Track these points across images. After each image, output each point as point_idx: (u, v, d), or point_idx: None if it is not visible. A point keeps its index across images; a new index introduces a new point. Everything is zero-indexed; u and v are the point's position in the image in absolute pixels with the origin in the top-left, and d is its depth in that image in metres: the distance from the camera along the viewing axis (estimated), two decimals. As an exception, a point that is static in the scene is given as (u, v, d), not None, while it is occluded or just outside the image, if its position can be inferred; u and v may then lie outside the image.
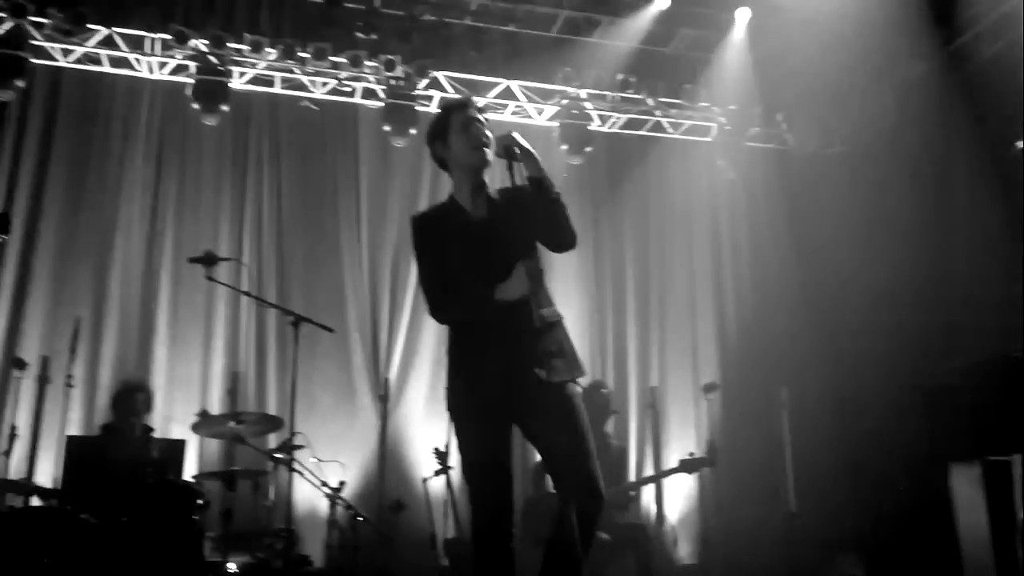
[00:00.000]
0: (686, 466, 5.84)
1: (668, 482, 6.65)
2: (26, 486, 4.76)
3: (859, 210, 7.27)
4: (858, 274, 7.17)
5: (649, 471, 7.09)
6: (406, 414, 6.91)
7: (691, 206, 8.06)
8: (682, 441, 7.29)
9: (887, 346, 6.76)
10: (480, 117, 3.17)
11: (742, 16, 7.58)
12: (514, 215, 3.08)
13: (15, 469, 5.25)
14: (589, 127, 7.64)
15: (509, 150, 2.96)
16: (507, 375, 2.96)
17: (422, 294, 3.20)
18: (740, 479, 6.94)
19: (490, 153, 3.10)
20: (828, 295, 7.57)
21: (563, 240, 3.12)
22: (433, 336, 6.99)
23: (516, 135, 3.00)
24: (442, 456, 5.49)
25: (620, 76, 7.55)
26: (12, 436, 5.07)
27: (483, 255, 3.07)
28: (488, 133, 3.14)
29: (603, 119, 7.82)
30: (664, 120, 7.88)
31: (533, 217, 3.06)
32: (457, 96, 3.20)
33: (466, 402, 3.05)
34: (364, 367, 6.94)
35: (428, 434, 6.54)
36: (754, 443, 7.01)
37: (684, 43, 7.98)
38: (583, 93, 7.55)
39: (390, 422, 6.71)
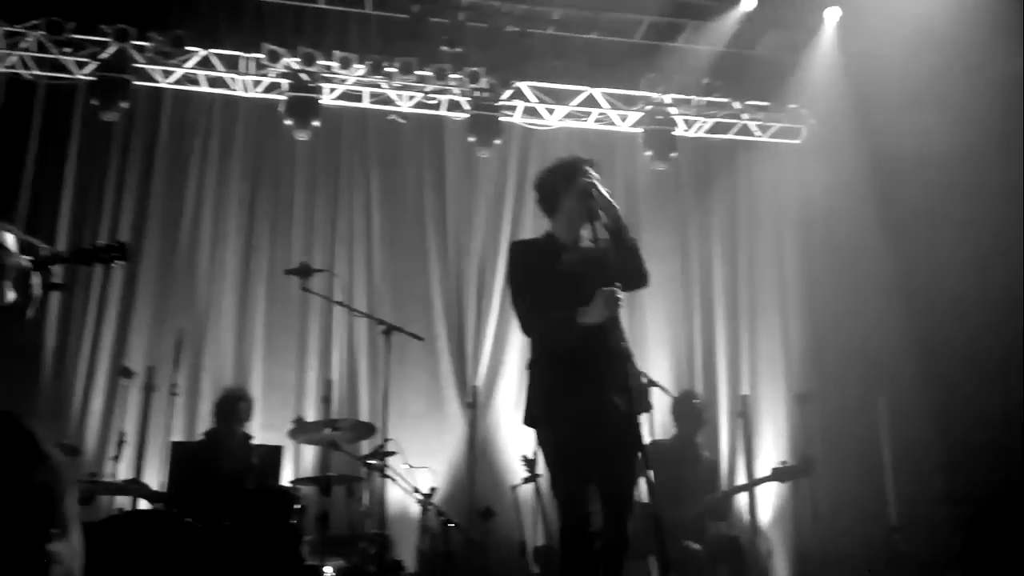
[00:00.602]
0: (779, 475, 5.69)
1: (762, 493, 6.51)
2: (142, 488, 4.94)
3: (958, 213, 6.99)
4: (959, 279, 6.89)
5: (741, 482, 6.95)
6: (494, 421, 6.95)
7: (781, 210, 7.89)
8: (775, 452, 7.13)
9: (990, 354, 6.48)
10: (598, 178, 3.43)
11: (831, 16, 7.41)
12: (602, 261, 3.37)
13: (124, 474, 5.47)
14: (674, 133, 7.58)
15: (591, 207, 3.30)
16: (592, 395, 3.24)
17: (514, 313, 3.47)
18: (837, 491, 6.73)
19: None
20: (927, 301, 7.29)
21: (637, 283, 3.42)
22: (519, 344, 7.01)
23: (595, 184, 3.33)
24: (530, 464, 5.51)
25: (705, 80, 7.48)
26: (121, 442, 5.27)
27: (573, 287, 3.32)
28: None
29: (688, 124, 7.75)
30: (751, 123, 7.76)
31: (613, 266, 3.35)
32: (582, 157, 3.54)
33: (554, 415, 3.27)
34: (452, 374, 7.02)
35: (516, 441, 6.56)
36: (851, 454, 6.80)
37: (771, 45, 7.84)
38: (667, 98, 7.50)
39: (478, 429, 6.77)
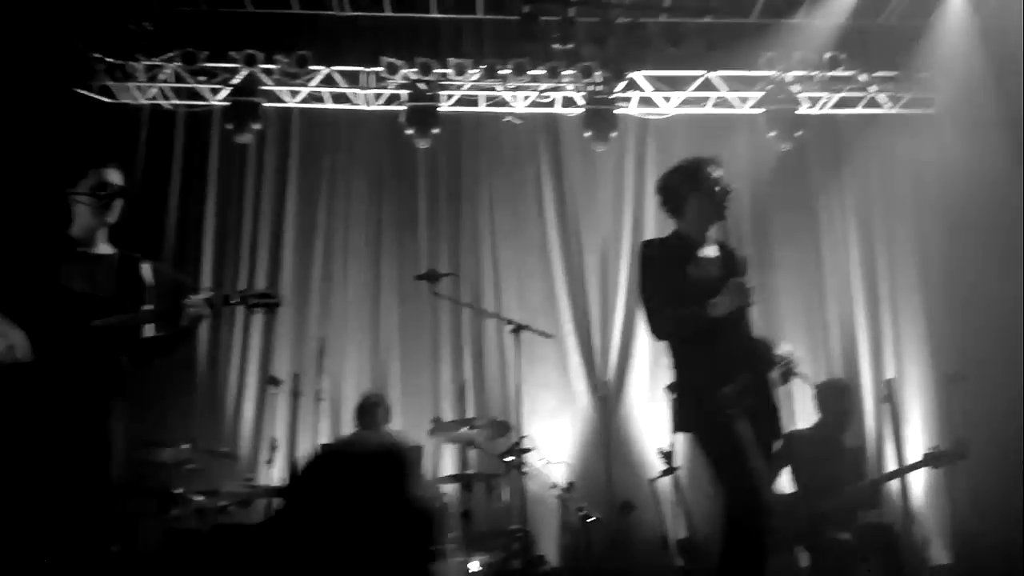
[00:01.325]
0: (932, 460, 5.42)
1: (915, 480, 6.23)
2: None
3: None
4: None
5: (890, 469, 6.68)
6: (626, 415, 6.93)
7: (918, 183, 7.51)
8: (925, 435, 6.82)
9: None
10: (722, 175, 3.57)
11: (961, -26, 7.02)
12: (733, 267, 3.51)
13: (276, 477, 5.75)
14: (797, 111, 7.35)
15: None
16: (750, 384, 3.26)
17: (643, 314, 3.49)
18: (993, 474, 6.39)
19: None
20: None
21: None
22: (648, 338, 6.97)
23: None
24: (667, 457, 5.47)
25: (828, 54, 7.22)
26: (272, 447, 5.54)
27: (704, 289, 3.36)
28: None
29: (812, 101, 7.50)
30: (880, 96, 7.44)
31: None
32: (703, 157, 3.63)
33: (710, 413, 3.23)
34: (581, 369, 7.04)
35: (650, 434, 6.54)
36: (1007, 435, 6.42)
37: (897, 12, 7.50)
38: (789, 76, 7.28)
39: (611, 423, 6.77)
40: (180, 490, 4.73)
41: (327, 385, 6.10)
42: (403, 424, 6.37)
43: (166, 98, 7.19)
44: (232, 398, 6.70)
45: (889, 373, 7.05)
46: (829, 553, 4.99)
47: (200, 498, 4.77)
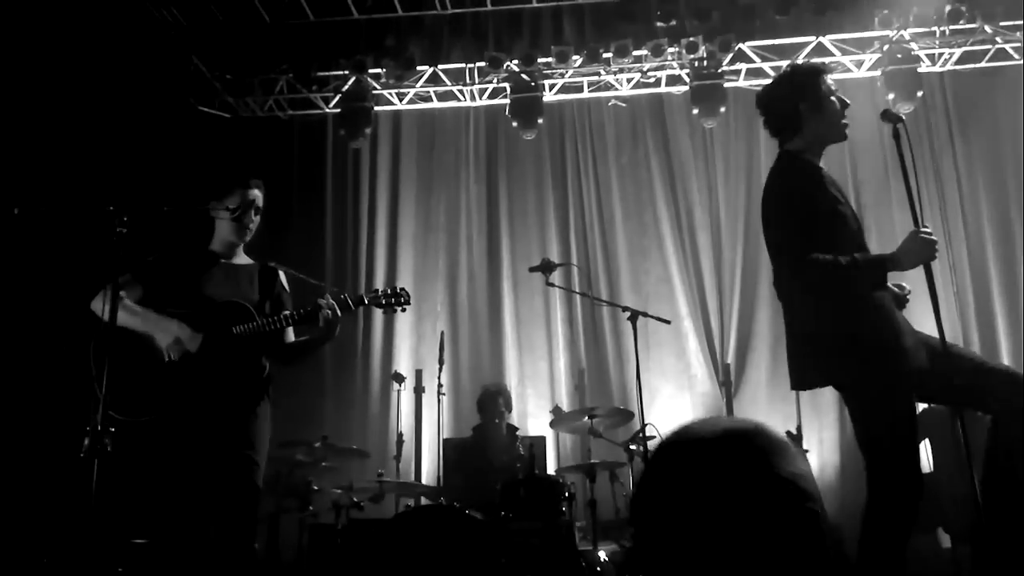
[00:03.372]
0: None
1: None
2: (424, 488, 5.33)
3: None
4: None
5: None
6: (750, 398, 6.81)
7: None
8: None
9: None
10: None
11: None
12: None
13: (404, 471, 5.94)
14: (919, 70, 6.99)
15: (896, 116, 2.98)
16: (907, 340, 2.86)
17: (786, 249, 2.93)
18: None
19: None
20: None
21: None
22: (768, 316, 6.83)
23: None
24: (795, 439, 5.36)
25: (948, 7, 6.82)
26: (399, 442, 5.73)
27: (841, 219, 2.97)
28: None
29: (933, 59, 7.12)
30: (1008, 47, 6.99)
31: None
32: (815, 61, 3.15)
33: (889, 366, 2.81)
34: (701, 353, 6.95)
35: (776, 416, 6.39)
36: None
37: (1023, -46, 7.00)
38: (906, 34, 6.93)
39: (734, 406, 6.67)
40: (316, 487, 4.95)
41: (448, 379, 6.23)
42: (523, 415, 6.46)
43: (282, 109, 7.48)
44: (358, 396, 6.96)
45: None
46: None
47: (336, 492, 4.98)
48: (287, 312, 3.60)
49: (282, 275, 3.79)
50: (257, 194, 3.67)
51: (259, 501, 3.43)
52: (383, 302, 3.80)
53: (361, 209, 7.44)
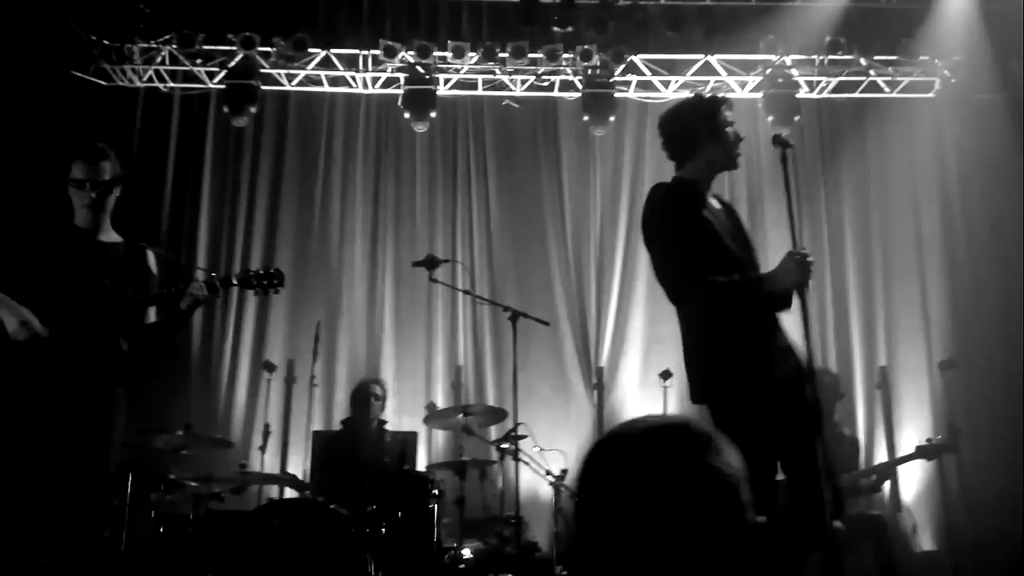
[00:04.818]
0: (924, 452, 5.48)
1: (905, 466, 6.27)
2: (291, 479, 5.21)
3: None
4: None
5: (881, 456, 6.71)
6: (620, 401, 6.96)
7: (915, 169, 7.49)
8: (916, 422, 6.83)
9: None
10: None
11: (964, -43, 6.94)
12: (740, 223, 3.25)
13: (269, 463, 5.79)
14: (797, 95, 7.31)
15: (784, 142, 3.11)
16: (781, 364, 3.01)
17: (672, 269, 3.04)
18: (985, 460, 6.42)
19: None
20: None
21: None
22: (641, 322, 7.03)
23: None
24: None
25: (828, 38, 7.15)
26: (266, 433, 5.58)
27: (719, 241, 3.06)
28: None
29: (811, 85, 7.45)
30: (880, 80, 7.39)
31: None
32: (719, 95, 3.26)
33: (747, 385, 2.92)
34: (576, 356, 7.06)
35: (644, 421, 6.55)
36: (999, 421, 6.46)
37: (899, -5, 7.42)
38: (788, 60, 7.23)
39: (605, 410, 6.81)
40: (173, 476, 4.76)
41: (321, 371, 6.12)
42: (397, 410, 6.40)
43: (163, 81, 7.17)
44: (225, 384, 6.73)
45: (882, 360, 7.07)
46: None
47: (194, 484, 4.80)
48: (151, 293, 3.46)
49: (151, 255, 3.62)
50: (106, 166, 3.46)
51: (109, 489, 3.29)
52: (254, 283, 3.70)
53: (241, 191, 7.19)
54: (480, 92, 7.35)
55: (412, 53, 6.98)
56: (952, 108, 7.25)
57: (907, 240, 7.39)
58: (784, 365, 3.00)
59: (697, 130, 3.16)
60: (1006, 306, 6.89)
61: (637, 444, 1.32)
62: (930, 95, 7.40)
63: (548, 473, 5.47)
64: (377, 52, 7.02)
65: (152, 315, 3.54)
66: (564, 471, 5.61)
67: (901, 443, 6.68)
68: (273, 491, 5.69)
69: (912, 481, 6.70)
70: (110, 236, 3.55)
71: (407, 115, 7.02)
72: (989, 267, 7.09)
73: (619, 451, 1.32)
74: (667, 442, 1.30)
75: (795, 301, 3.02)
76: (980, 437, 6.47)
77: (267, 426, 5.61)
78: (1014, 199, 7.05)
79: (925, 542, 6.57)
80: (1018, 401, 6.29)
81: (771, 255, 6.68)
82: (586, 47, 7.05)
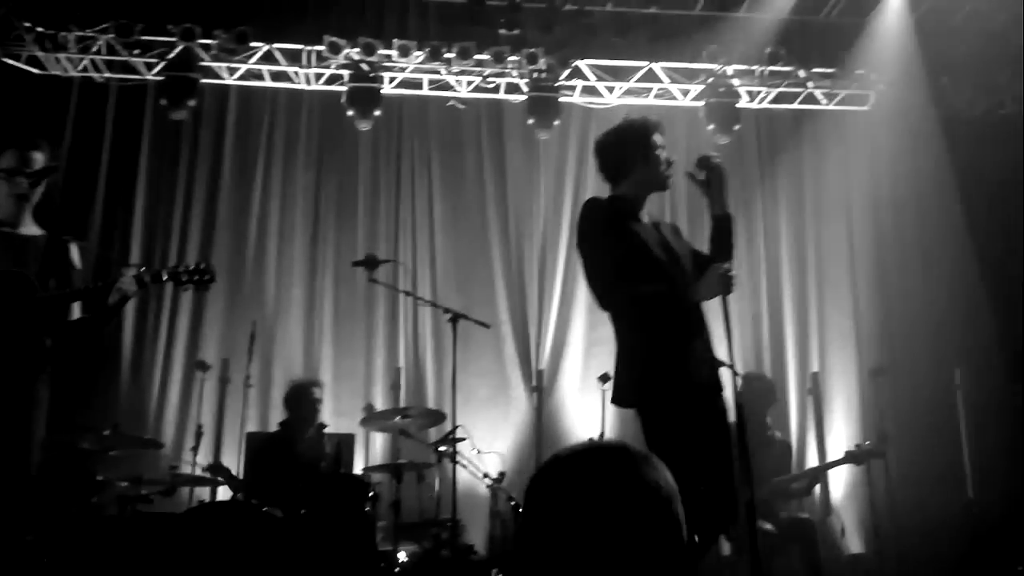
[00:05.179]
0: (854, 457, 5.60)
1: (835, 470, 6.43)
2: (224, 472, 5.10)
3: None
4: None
5: (812, 460, 6.86)
6: (559, 404, 6.99)
7: (850, 180, 7.68)
8: (847, 428, 7.01)
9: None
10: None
11: (899, -25, 7.13)
12: (668, 238, 3.35)
13: (201, 465, 5.67)
14: (737, 104, 7.43)
15: (710, 165, 3.26)
16: (697, 369, 3.15)
17: (598, 276, 3.20)
18: (912, 465, 6.61)
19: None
20: (1003, 268, 7.03)
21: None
22: (582, 326, 7.08)
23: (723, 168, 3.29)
24: (598, 447, 5.55)
25: (769, 49, 7.29)
26: (199, 434, 5.47)
27: (649, 255, 3.22)
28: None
29: (752, 95, 7.58)
30: (817, 92, 7.56)
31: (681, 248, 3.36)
32: (651, 119, 3.45)
33: (667, 389, 3.09)
34: (516, 359, 7.07)
35: (582, 423, 6.61)
36: (927, 427, 6.65)
37: (837, 9, 7.60)
38: (730, 70, 7.34)
39: (544, 412, 6.83)
40: (100, 477, 4.64)
41: (257, 371, 6.02)
42: (335, 411, 6.34)
43: (98, 71, 6.98)
44: (157, 383, 6.59)
45: (814, 366, 7.24)
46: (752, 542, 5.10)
47: (122, 485, 4.69)
48: (74, 287, 3.37)
49: (73, 249, 3.52)
50: (38, 157, 3.37)
51: (30, 491, 3.19)
52: (184, 279, 3.61)
53: (178, 186, 7.04)
54: (425, 92, 7.31)
55: (357, 50, 6.91)
56: (886, 121, 7.44)
57: (840, 249, 7.57)
58: (699, 374, 3.16)
59: (629, 153, 3.33)
60: (934, 315, 7.11)
61: (577, 463, 1.38)
62: (865, 108, 7.59)
63: (486, 476, 5.47)
64: (321, 48, 6.94)
65: (77, 311, 3.45)
66: (502, 474, 5.62)
67: (832, 449, 6.84)
68: (205, 493, 5.57)
69: (841, 485, 6.87)
70: (31, 229, 3.46)
71: (351, 113, 6.95)
72: (918, 277, 7.31)
73: (560, 471, 1.38)
74: (605, 460, 1.37)
75: (721, 310, 3.17)
76: (908, 443, 6.65)
77: (200, 427, 5.48)
78: (942, 212, 7.28)
79: (853, 545, 6.73)
80: (945, 407, 6.49)
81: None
82: (532, 50, 7.07)
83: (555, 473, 1.39)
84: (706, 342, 3.26)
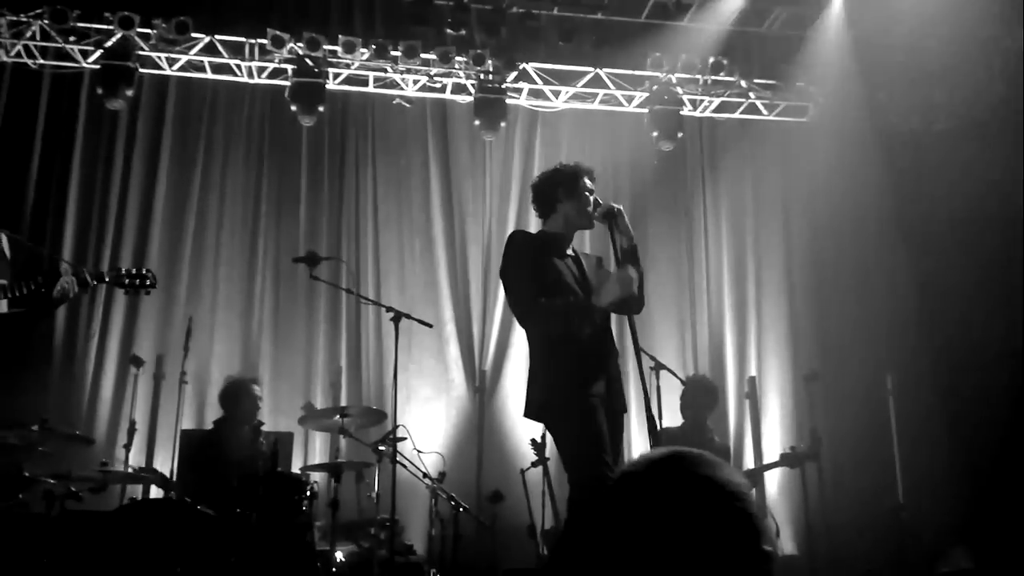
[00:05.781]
0: (788, 460, 5.73)
1: (769, 472, 6.55)
2: (156, 476, 4.98)
3: (967, 189, 6.93)
4: (967, 256, 6.86)
5: (749, 463, 6.98)
6: (501, 405, 6.99)
7: (788, 189, 7.84)
8: (782, 431, 7.15)
9: (997, 330, 6.46)
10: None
11: (839, -9, 7.32)
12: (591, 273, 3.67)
13: (134, 462, 5.52)
14: (681, 112, 7.53)
15: (612, 215, 3.51)
16: (599, 387, 3.42)
17: (514, 299, 3.58)
18: (844, 469, 6.77)
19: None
20: (935, 277, 7.25)
21: (638, 309, 3.54)
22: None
23: (621, 211, 3.56)
24: (539, 448, 5.56)
25: (712, 59, 7.41)
26: (131, 430, 5.32)
27: (568, 284, 3.52)
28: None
29: (695, 104, 7.69)
30: (759, 102, 7.71)
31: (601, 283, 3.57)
32: (585, 165, 3.77)
33: (582, 399, 3.35)
34: (459, 359, 7.05)
35: (523, 425, 6.56)
36: (859, 432, 6.82)
37: (779, 22, 7.77)
38: (673, 78, 7.44)
39: (486, 413, 6.82)
40: (27, 473, 4.47)
41: (193, 367, 5.88)
42: (273, 409, 6.23)
43: (32, 57, 6.76)
44: (90, 377, 6.40)
45: (752, 371, 7.37)
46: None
47: (50, 482, 4.52)
48: (2, 282, 3.25)
49: (4, 239, 3.41)
50: None
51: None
52: (126, 283, 3.56)
53: (113, 178, 6.84)
54: (371, 89, 7.25)
55: (301, 45, 6.82)
56: (824, 133, 7.62)
57: (779, 256, 7.73)
58: (599, 385, 3.42)
59: (557, 192, 3.66)
60: (868, 322, 7.30)
61: (644, 476, 1.39)
62: (804, 120, 7.76)
63: (426, 476, 5.42)
64: (264, 41, 6.83)
65: (4, 306, 3.33)
66: (442, 474, 5.58)
67: (768, 451, 6.96)
68: (136, 491, 5.42)
69: (775, 487, 6.99)
70: (-42, 219, 3.33)
71: (294, 108, 6.86)
72: (853, 285, 7.48)
73: (630, 487, 1.39)
74: (672, 467, 1.38)
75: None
76: (840, 446, 6.81)
77: (132, 423, 5.33)
78: (879, 222, 7.47)
79: (786, 546, 6.86)
80: (877, 413, 6.65)
81: (660, 269, 6.96)
82: (479, 51, 7.07)
83: (626, 489, 1.39)
84: (613, 365, 3.54)
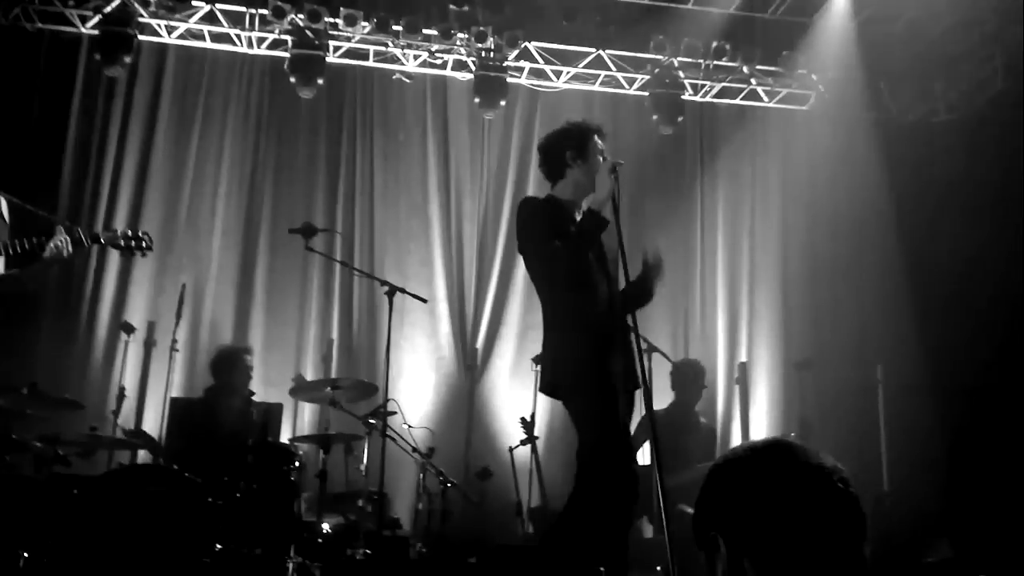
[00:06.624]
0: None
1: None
2: (145, 439, 4.98)
3: (965, 181, 6.94)
4: (962, 248, 6.87)
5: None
6: (492, 383, 7.01)
7: (787, 177, 7.83)
8: (771, 418, 7.18)
9: (990, 324, 6.48)
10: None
11: (844, -22, 7.28)
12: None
13: (123, 428, 5.52)
14: (682, 96, 7.50)
15: (615, 170, 3.37)
16: (619, 364, 3.35)
17: (546, 282, 3.45)
18: (832, 456, 6.78)
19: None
20: (929, 270, 7.26)
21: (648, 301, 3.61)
22: (519, 307, 7.09)
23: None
24: (528, 426, 5.58)
25: (715, 43, 7.36)
26: (120, 397, 5.32)
27: (601, 256, 3.43)
28: None
29: (696, 88, 7.66)
30: (760, 88, 7.68)
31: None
32: (593, 124, 3.62)
33: (601, 376, 3.29)
34: (452, 336, 7.05)
35: (513, 403, 6.63)
36: (847, 421, 6.85)
37: (783, 8, 7.71)
38: (675, 61, 7.41)
39: (477, 391, 6.83)
40: (15, 436, 4.48)
41: (184, 335, 5.88)
42: (264, 379, 6.23)
43: (30, 20, 6.70)
44: (80, 342, 6.39)
45: (742, 357, 7.38)
46: (675, 526, 5.19)
47: (38, 445, 4.53)
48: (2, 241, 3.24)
49: (2, 201, 3.40)
50: None
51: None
52: (121, 244, 3.54)
53: (109, 143, 6.80)
54: (371, 63, 7.21)
55: (302, 16, 6.77)
56: (824, 121, 7.60)
57: (774, 243, 7.73)
58: (617, 363, 3.34)
59: (567, 155, 3.48)
60: (860, 312, 7.32)
61: (745, 462, 1.42)
62: (804, 108, 7.74)
63: (415, 451, 5.44)
64: (265, 12, 6.78)
65: (1, 265, 3.32)
66: (431, 449, 5.60)
67: (755, 436, 6.99)
68: (124, 457, 5.42)
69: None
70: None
71: (293, 80, 6.82)
72: (847, 274, 7.50)
73: (732, 472, 1.42)
74: (772, 453, 1.41)
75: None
76: (828, 434, 6.83)
77: (122, 389, 5.34)
78: (875, 212, 7.48)
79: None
80: (865, 402, 6.68)
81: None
82: (481, 29, 7.01)
83: (728, 474, 1.42)
84: (628, 341, 3.43)
